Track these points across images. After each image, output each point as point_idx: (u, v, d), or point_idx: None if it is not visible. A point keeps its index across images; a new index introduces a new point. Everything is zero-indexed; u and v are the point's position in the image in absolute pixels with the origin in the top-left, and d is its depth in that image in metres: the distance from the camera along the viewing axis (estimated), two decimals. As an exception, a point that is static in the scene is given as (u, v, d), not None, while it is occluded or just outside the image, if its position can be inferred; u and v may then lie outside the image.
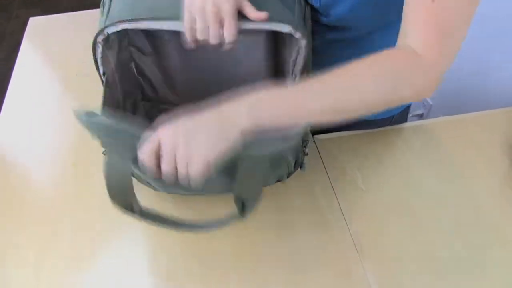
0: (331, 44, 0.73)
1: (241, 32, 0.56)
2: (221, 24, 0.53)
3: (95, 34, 0.60)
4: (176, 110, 0.50)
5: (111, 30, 0.58)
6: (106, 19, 0.60)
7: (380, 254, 0.67)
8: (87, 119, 0.51)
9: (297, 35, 0.59)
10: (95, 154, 0.81)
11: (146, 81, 0.78)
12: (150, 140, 0.48)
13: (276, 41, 0.73)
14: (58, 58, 1.04)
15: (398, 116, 0.85)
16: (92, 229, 0.70)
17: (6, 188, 0.77)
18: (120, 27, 0.58)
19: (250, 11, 0.55)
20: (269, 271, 0.65)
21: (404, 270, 0.65)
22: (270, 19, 0.56)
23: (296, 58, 0.65)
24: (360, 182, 0.75)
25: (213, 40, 0.54)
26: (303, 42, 0.60)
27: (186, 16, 0.54)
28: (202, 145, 0.47)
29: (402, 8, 0.54)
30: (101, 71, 0.64)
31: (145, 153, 0.48)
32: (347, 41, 0.72)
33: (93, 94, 0.95)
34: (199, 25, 0.53)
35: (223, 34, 0.54)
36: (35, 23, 1.17)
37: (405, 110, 0.86)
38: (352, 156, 0.79)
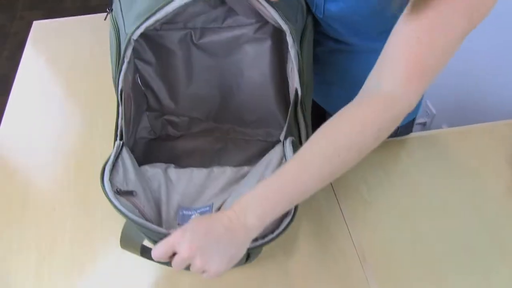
0: (333, 54, 0.74)
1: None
2: None
3: (116, 51, 0.61)
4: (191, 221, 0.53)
5: (136, 34, 0.59)
6: (124, 28, 0.60)
7: (384, 264, 0.66)
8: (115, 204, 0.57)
9: (290, 39, 0.59)
10: (97, 158, 0.81)
11: (150, 92, 0.78)
12: (165, 245, 0.50)
13: (280, 52, 0.73)
14: (62, 62, 1.04)
15: (403, 128, 0.84)
16: (94, 234, 0.70)
17: (7, 190, 0.77)
18: (143, 27, 0.58)
19: None
20: (271, 279, 0.65)
21: (407, 280, 0.65)
22: (278, 9, 0.57)
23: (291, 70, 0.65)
24: (365, 193, 0.75)
25: None
26: (293, 50, 0.60)
27: None
28: (216, 263, 0.50)
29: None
30: (119, 88, 0.63)
31: (159, 255, 0.51)
32: (349, 51, 0.72)
33: (96, 98, 0.96)
34: None
35: None
36: (39, 26, 1.17)
37: (410, 122, 0.86)
38: (356, 166, 0.79)
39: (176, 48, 0.74)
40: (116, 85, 0.64)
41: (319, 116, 0.83)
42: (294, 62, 0.61)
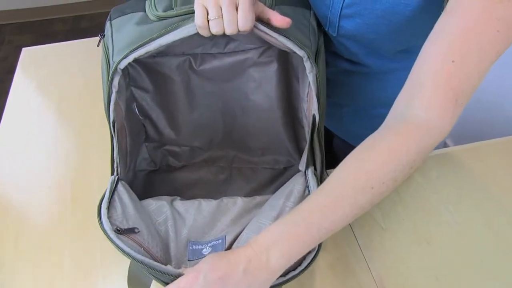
0: (345, 75, 0.70)
1: (257, 37, 0.54)
2: (236, 10, 0.49)
3: (107, 79, 0.57)
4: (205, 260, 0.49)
5: (123, 64, 0.55)
6: (112, 56, 0.57)
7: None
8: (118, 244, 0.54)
9: (308, 64, 0.55)
10: (94, 191, 0.77)
11: (148, 121, 0.74)
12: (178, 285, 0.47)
13: (287, 75, 0.70)
14: (53, 90, 1.00)
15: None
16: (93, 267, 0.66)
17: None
18: (131, 57, 0.54)
19: (274, 14, 0.51)
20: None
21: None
22: (290, 36, 0.53)
23: (308, 92, 0.62)
24: (380, 219, 0.71)
25: (228, 28, 0.49)
26: (311, 76, 0.56)
27: (198, 10, 0.49)
28: None
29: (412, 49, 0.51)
30: (111, 119, 0.59)
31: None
32: (363, 72, 0.69)
33: (90, 127, 0.92)
34: (212, 14, 0.48)
35: (237, 22, 0.49)
36: (28, 53, 1.13)
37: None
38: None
39: (174, 75, 0.70)
40: (107, 116, 0.60)
41: (327, 140, 0.79)
42: (313, 88, 0.57)
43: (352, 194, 0.48)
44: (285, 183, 0.72)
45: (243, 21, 0.48)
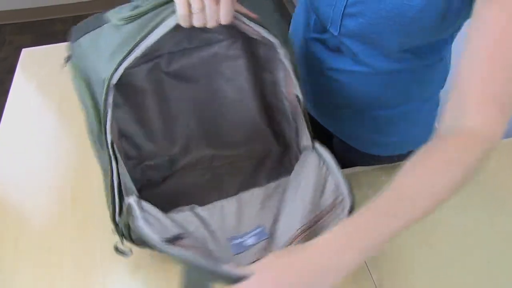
0: (346, 75, 0.70)
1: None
2: (218, 3, 0.49)
3: (90, 100, 0.55)
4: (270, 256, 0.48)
5: (115, 78, 0.52)
6: (96, 73, 0.55)
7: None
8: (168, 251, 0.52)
9: (282, 50, 0.57)
10: (94, 191, 0.77)
11: (125, 139, 0.72)
12: (248, 283, 0.46)
13: (256, 65, 0.71)
14: (53, 90, 1.00)
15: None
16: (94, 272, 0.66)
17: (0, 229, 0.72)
18: (122, 68, 0.52)
19: (241, 8, 0.53)
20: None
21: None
22: (262, 25, 0.55)
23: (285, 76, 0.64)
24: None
25: (210, 22, 0.50)
26: (287, 60, 0.58)
27: (180, 1, 0.49)
28: None
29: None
30: (109, 141, 0.56)
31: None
32: (364, 72, 0.69)
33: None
34: (196, 6, 0.48)
35: (219, 14, 0.50)
36: (28, 54, 1.13)
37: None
38: (370, 192, 0.75)
39: (145, 84, 0.68)
40: (104, 140, 0.55)
41: (327, 140, 0.79)
42: (290, 70, 0.59)
43: (415, 197, 0.49)
44: (270, 170, 0.75)
45: (225, 13, 0.49)
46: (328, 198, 0.61)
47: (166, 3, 0.52)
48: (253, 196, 0.66)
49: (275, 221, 0.63)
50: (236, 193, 0.66)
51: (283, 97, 0.69)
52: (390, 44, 0.61)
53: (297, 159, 0.68)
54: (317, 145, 0.65)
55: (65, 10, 2.71)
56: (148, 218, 0.56)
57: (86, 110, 0.58)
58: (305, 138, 0.67)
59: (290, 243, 0.59)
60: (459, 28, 0.62)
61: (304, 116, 0.65)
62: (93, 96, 0.56)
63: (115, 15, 0.55)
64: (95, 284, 0.65)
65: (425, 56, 0.65)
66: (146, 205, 0.59)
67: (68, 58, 0.59)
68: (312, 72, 0.75)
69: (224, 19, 0.50)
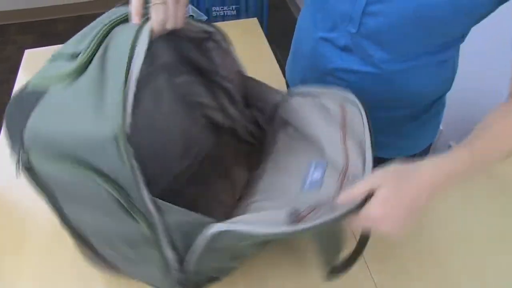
0: (354, 74, 0.69)
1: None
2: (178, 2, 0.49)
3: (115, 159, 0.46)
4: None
5: (127, 126, 0.46)
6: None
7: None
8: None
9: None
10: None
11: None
12: (368, 181, 0.48)
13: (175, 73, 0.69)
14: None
15: (418, 155, 0.81)
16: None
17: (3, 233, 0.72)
18: (128, 111, 0.44)
19: None
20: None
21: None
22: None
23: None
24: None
25: (171, 23, 0.48)
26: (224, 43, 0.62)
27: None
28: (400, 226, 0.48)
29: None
30: (148, 200, 0.48)
31: (359, 191, 0.48)
32: (373, 73, 0.68)
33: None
34: (158, 13, 0.47)
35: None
36: (31, 55, 1.13)
37: (427, 148, 0.83)
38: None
39: None
40: (136, 207, 0.46)
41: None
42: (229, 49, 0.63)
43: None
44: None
45: (182, 15, 0.49)
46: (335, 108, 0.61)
47: (107, 33, 0.49)
48: (279, 153, 0.65)
49: (317, 150, 0.60)
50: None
51: (224, 77, 0.67)
52: (409, 45, 0.60)
53: (268, 123, 0.68)
54: (291, 91, 0.65)
55: (68, 10, 2.72)
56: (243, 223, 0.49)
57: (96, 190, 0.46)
58: (271, 97, 0.67)
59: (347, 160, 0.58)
60: (476, 22, 0.60)
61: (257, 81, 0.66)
62: (92, 166, 0.45)
63: (52, 79, 0.49)
64: (95, 284, 0.65)
65: (437, 53, 0.64)
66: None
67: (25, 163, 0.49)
68: (318, 71, 0.74)
69: (181, 21, 0.49)
